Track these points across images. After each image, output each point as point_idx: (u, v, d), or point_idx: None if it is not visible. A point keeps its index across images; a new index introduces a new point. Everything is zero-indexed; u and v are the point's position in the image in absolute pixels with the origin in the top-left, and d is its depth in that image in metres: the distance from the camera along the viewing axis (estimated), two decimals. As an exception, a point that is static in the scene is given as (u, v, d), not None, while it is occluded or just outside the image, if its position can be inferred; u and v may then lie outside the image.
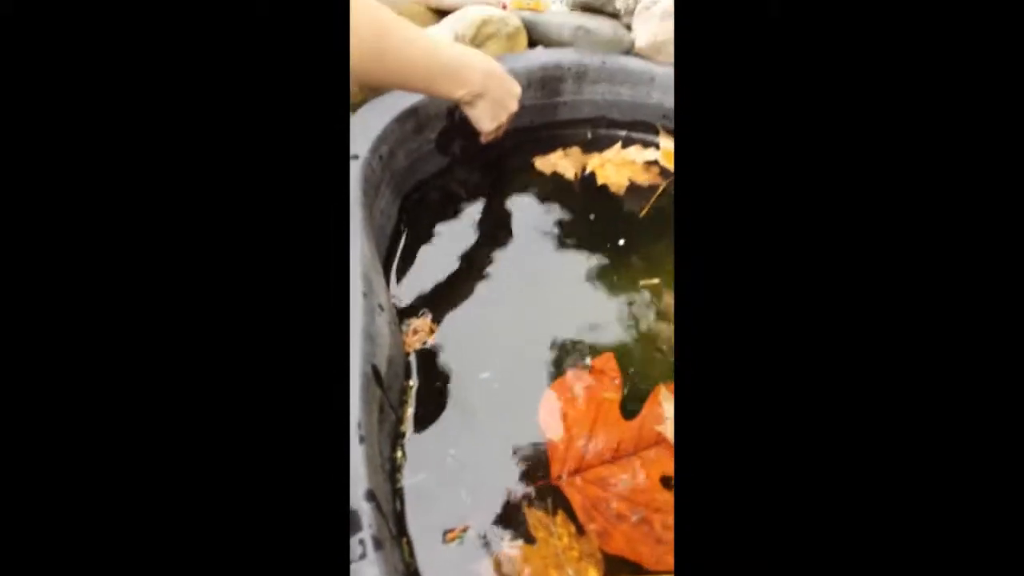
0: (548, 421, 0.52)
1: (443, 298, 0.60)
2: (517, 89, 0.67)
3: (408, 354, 0.54)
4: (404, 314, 0.58)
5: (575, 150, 0.82)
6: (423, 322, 0.56)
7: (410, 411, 0.51)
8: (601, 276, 0.65)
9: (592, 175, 0.78)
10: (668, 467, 0.50)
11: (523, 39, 0.81)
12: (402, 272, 0.62)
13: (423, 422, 0.50)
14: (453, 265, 0.64)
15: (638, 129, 0.86)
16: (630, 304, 0.62)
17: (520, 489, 0.47)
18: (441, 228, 0.68)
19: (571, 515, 0.46)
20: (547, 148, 0.81)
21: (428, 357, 0.55)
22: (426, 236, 0.67)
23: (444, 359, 0.55)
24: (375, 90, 0.68)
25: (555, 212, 0.72)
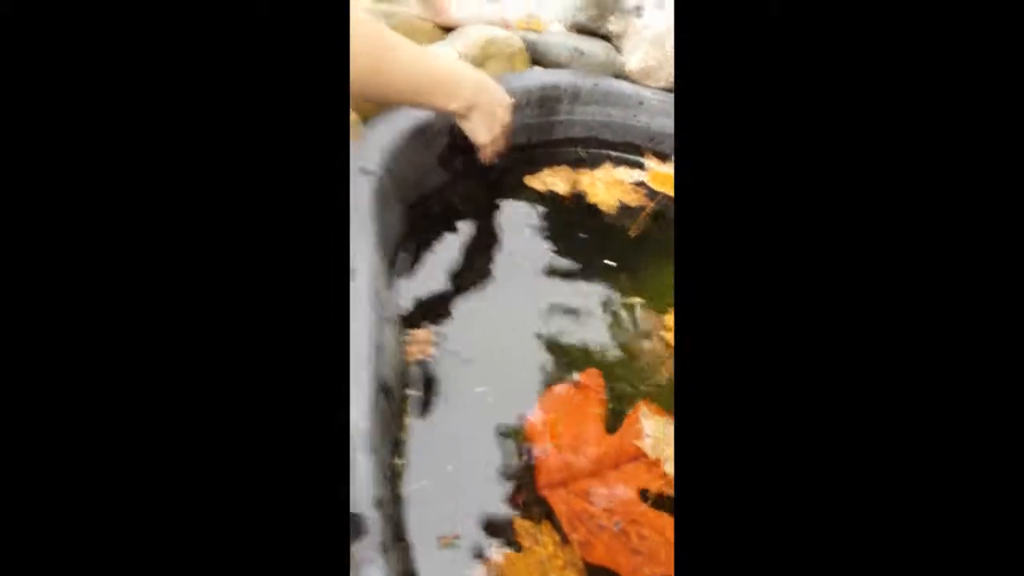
0: (536, 434, 0.55)
1: (441, 309, 0.63)
2: (508, 100, 0.69)
3: (408, 364, 0.57)
4: (404, 322, 0.60)
5: (566, 168, 0.85)
6: (424, 333, 0.59)
7: (408, 420, 0.53)
8: (591, 293, 0.68)
9: (583, 194, 0.82)
10: (647, 481, 0.54)
11: (524, 59, 0.84)
12: (404, 282, 0.65)
13: (421, 431, 0.53)
14: (452, 277, 0.67)
15: (627, 150, 0.90)
16: (617, 322, 0.66)
17: (508, 499, 0.50)
18: (442, 240, 0.71)
19: (556, 525, 0.49)
20: (541, 166, 0.84)
21: (426, 367, 0.58)
22: (427, 248, 0.70)
23: (441, 370, 0.58)
24: (383, 105, 0.70)
25: (547, 229, 0.75)
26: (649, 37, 0.88)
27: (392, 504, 0.47)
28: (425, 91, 0.61)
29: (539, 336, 0.63)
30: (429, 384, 0.56)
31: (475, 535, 0.48)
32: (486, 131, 0.68)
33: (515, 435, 0.54)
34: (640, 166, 0.89)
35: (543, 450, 0.54)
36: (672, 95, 0.87)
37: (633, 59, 0.88)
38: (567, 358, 0.61)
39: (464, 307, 0.64)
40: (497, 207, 0.77)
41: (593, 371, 0.61)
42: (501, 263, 0.70)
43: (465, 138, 0.69)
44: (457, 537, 0.47)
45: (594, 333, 0.64)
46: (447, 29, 0.84)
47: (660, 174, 0.88)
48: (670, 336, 0.65)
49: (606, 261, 0.72)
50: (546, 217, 0.77)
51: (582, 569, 0.47)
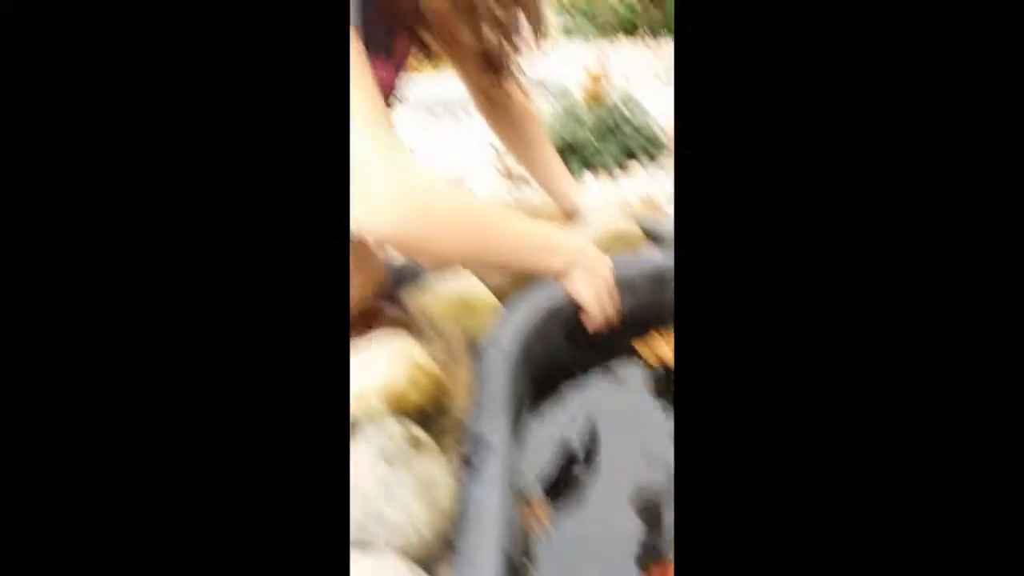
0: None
1: (554, 484, 0.67)
2: (607, 260, 0.76)
3: (530, 537, 0.61)
4: (527, 495, 0.65)
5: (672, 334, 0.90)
6: (539, 506, 0.63)
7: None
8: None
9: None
10: None
11: (641, 241, 0.93)
12: (529, 454, 0.70)
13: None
14: (567, 451, 0.71)
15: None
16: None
17: None
18: (559, 411, 0.76)
19: None
20: (650, 333, 0.89)
21: (536, 542, 0.61)
22: (546, 419, 0.75)
23: (552, 548, 0.61)
24: (518, 283, 0.79)
25: (660, 398, 0.79)
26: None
27: None
28: (528, 254, 0.70)
29: (636, 518, 0.65)
30: (540, 561, 0.59)
31: None
32: (590, 291, 0.74)
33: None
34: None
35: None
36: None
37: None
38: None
39: (578, 483, 0.68)
40: (610, 376, 0.82)
41: (666, 565, 0.61)
42: (612, 433, 0.74)
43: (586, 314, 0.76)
44: None
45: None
46: (572, 215, 0.94)
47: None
48: None
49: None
50: (654, 385, 0.81)
51: None
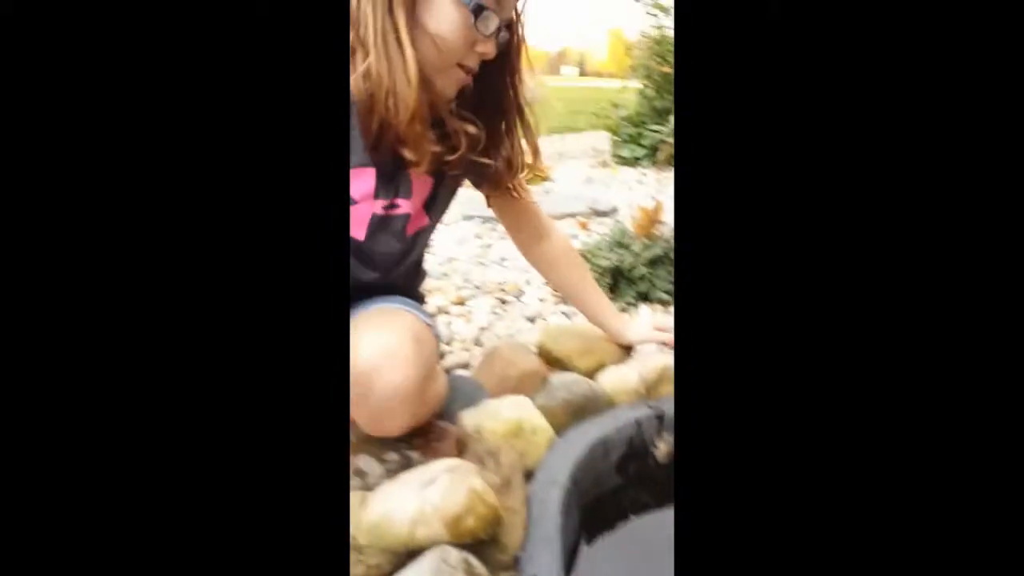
0: None
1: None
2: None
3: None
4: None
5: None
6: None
7: None
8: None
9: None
10: None
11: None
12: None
13: None
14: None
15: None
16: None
17: None
18: (613, 541, 0.76)
19: None
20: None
21: None
22: (598, 550, 0.75)
23: None
24: (575, 415, 0.82)
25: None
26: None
27: None
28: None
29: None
30: None
31: None
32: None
33: None
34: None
35: None
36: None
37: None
38: None
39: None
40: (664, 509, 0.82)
41: None
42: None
43: (643, 442, 0.78)
44: None
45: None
46: (626, 348, 0.98)
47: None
48: None
49: None
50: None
51: None
